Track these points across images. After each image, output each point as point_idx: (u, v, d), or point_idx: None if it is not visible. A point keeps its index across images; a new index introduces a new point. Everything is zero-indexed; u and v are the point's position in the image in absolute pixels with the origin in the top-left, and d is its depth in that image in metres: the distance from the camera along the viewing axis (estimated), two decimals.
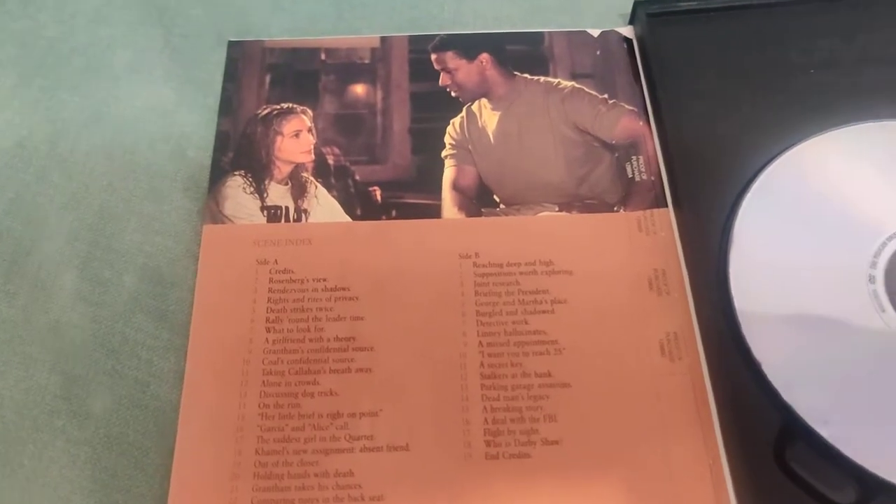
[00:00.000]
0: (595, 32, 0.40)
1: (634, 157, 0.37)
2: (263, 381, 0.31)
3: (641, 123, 0.37)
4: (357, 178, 0.36)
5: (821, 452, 0.28)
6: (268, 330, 0.33)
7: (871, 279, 0.31)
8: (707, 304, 0.32)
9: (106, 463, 0.31)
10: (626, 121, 0.37)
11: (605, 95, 0.38)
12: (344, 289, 0.33)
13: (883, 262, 0.31)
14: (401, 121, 0.38)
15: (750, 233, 0.32)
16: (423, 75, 0.39)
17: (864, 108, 0.34)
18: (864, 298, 0.30)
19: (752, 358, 0.30)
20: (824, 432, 0.28)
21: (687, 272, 0.33)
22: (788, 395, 0.28)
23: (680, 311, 0.33)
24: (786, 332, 0.30)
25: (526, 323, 0.33)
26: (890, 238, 0.32)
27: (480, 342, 0.32)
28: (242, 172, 0.36)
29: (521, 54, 0.40)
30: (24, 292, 0.34)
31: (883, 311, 0.30)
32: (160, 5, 0.42)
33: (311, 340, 0.32)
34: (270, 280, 0.34)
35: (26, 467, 0.30)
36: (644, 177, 0.36)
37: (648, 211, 0.35)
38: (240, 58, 0.39)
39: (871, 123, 0.34)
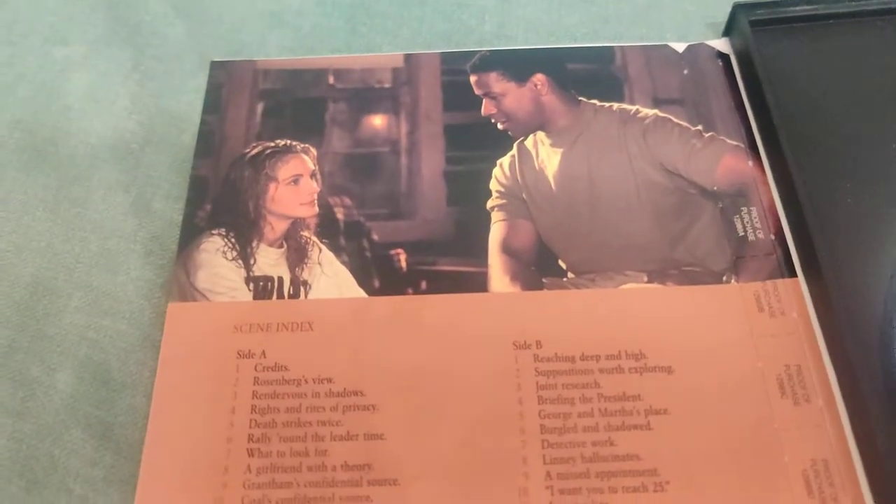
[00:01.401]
0: (680, 47, 0.31)
1: (745, 209, 0.27)
2: None
3: (751, 163, 0.28)
4: (375, 238, 0.28)
5: None
6: (250, 453, 0.24)
7: None
8: (870, 417, 0.22)
9: None
10: (729, 159, 0.28)
11: (700, 127, 0.29)
12: (356, 393, 0.25)
13: None
14: (432, 162, 0.29)
15: None
16: (461, 103, 0.31)
17: None
18: None
19: None
20: None
21: (834, 370, 0.24)
22: None
23: (830, 429, 0.23)
24: None
25: (612, 443, 0.24)
26: None
27: (548, 473, 0.23)
28: (223, 231, 0.28)
29: (586, 75, 0.31)
30: None
31: None
32: (132, 22, 0.34)
33: (309, 469, 0.23)
34: (256, 381, 0.25)
35: None
36: (760, 235, 0.27)
37: (771, 282, 0.26)
38: (225, 82, 0.31)
39: None
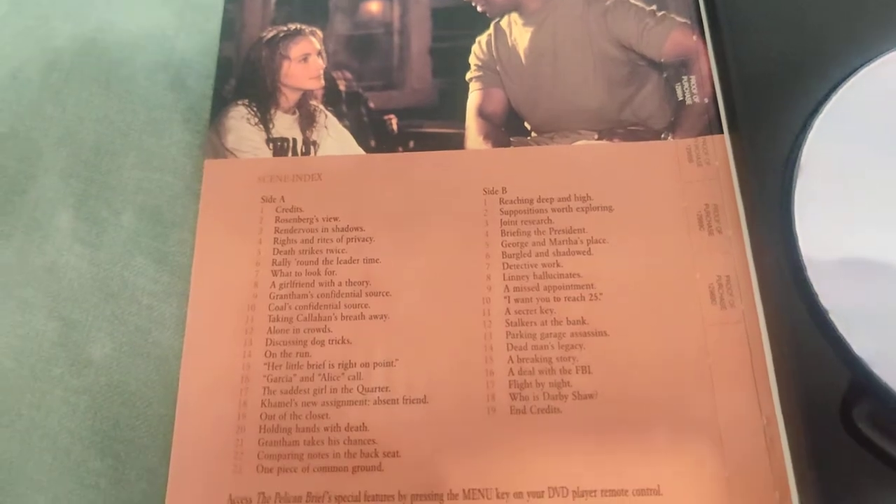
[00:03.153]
0: None
1: (686, 77, 0.32)
2: (270, 329, 0.29)
3: (695, 38, 0.33)
4: (371, 105, 0.33)
5: (895, 411, 0.24)
6: (274, 273, 0.30)
7: None
8: (767, 244, 0.27)
9: (107, 413, 0.29)
10: (676, 35, 0.33)
11: (654, 7, 0.33)
12: (357, 228, 0.30)
13: None
14: (420, 40, 0.34)
15: (820, 162, 0.27)
16: None
17: None
18: None
19: (818, 305, 0.26)
20: None
21: (744, 208, 0.29)
22: (859, 346, 0.25)
23: (734, 253, 0.29)
24: (859, 276, 0.26)
25: (558, 265, 0.29)
26: None
27: (507, 286, 0.29)
28: (246, 102, 0.33)
29: None
30: (19, 233, 0.32)
31: None
32: None
33: (321, 284, 0.30)
34: (277, 219, 0.31)
35: (24, 417, 0.29)
36: (696, 99, 0.32)
37: (701, 138, 0.31)
38: None
39: None
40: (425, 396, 0.28)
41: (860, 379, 0.25)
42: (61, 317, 0.30)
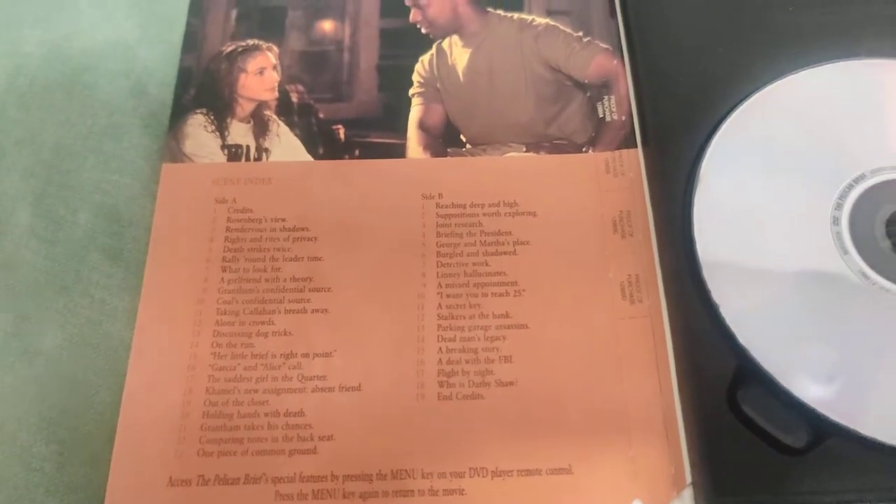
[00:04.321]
0: None
1: (607, 97, 0.35)
2: (217, 321, 0.31)
3: (616, 62, 0.36)
4: (321, 116, 0.35)
5: (774, 395, 0.27)
6: (223, 269, 0.32)
7: (836, 221, 0.30)
8: (670, 246, 0.31)
9: (54, 401, 0.30)
10: (600, 59, 0.36)
11: (581, 33, 0.37)
12: (303, 229, 0.33)
13: (849, 204, 0.30)
14: (368, 58, 0.37)
15: (716, 175, 0.31)
16: (395, 11, 0.38)
17: (843, 46, 0.33)
18: (827, 241, 0.29)
19: (710, 300, 0.29)
20: (777, 374, 0.27)
21: (652, 214, 0.32)
22: (744, 337, 0.28)
23: (643, 254, 0.32)
24: (746, 274, 0.29)
25: (486, 264, 0.32)
26: (857, 179, 0.30)
27: (440, 283, 0.32)
28: (204, 110, 0.35)
29: None
30: None
31: (845, 252, 0.29)
32: None
33: (267, 280, 0.32)
34: (228, 219, 0.33)
35: None
36: (615, 117, 0.35)
37: (617, 152, 0.34)
38: None
39: (844, 62, 0.32)
40: (360, 385, 0.30)
41: (745, 366, 0.28)
42: (15, 309, 0.32)
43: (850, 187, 0.31)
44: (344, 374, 0.30)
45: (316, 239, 0.33)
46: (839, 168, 0.31)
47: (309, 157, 0.34)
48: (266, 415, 0.30)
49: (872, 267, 0.29)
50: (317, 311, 0.31)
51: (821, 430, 0.26)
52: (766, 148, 0.31)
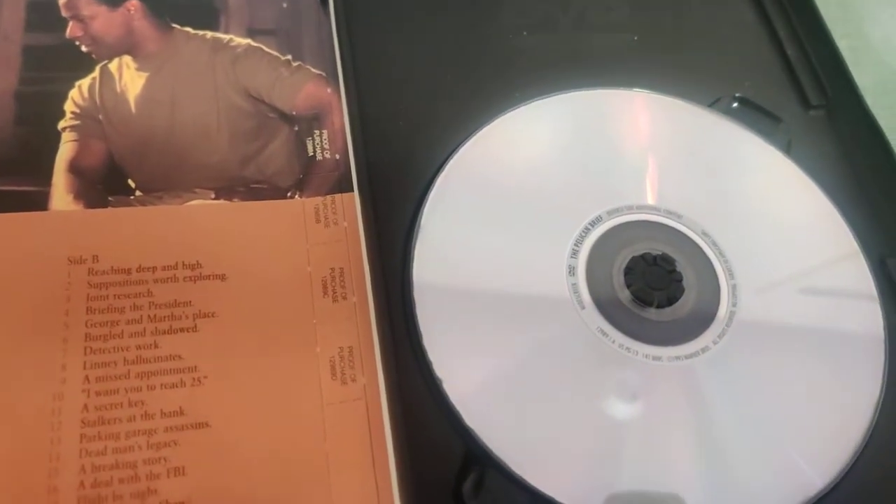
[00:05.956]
0: None
1: (318, 132, 0.30)
2: None
3: (329, 90, 0.31)
4: None
5: (504, 483, 0.22)
6: None
7: (572, 271, 0.26)
8: (388, 310, 0.25)
9: None
10: (310, 87, 0.31)
11: (289, 56, 0.31)
12: None
13: (585, 250, 0.27)
14: (4, 83, 0.28)
15: (439, 224, 0.26)
16: (46, 24, 0.30)
17: (578, 75, 0.30)
18: (563, 294, 0.26)
19: (433, 376, 0.24)
20: (510, 460, 0.22)
21: (370, 273, 0.27)
22: (470, 418, 0.23)
23: (359, 322, 0.26)
24: (475, 342, 0.25)
25: (156, 346, 0.25)
26: (593, 223, 0.27)
27: (87, 377, 0.24)
28: None
29: (185, 3, 0.31)
30: None
31: (583, 307, 0.26)
32: None
33: None
34: None
35: None
36: (328, 154, 0.29)
37: (330, 196, 0.28)
38: None
39: (575, 92, 0.30)
40: None
41: (473, 450, 0.23)
42: None
43: (586, 231, 0.27)
44: None
45: None
46: (574, 211, 0.28)
47: None
48: None
49: (611, 321, 0.26)
50: None
51: None
52: (494, 191, 0.27)
